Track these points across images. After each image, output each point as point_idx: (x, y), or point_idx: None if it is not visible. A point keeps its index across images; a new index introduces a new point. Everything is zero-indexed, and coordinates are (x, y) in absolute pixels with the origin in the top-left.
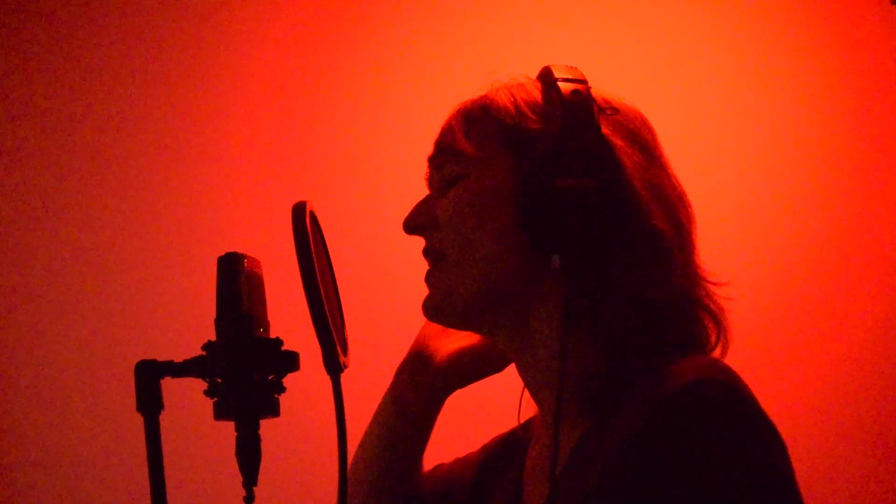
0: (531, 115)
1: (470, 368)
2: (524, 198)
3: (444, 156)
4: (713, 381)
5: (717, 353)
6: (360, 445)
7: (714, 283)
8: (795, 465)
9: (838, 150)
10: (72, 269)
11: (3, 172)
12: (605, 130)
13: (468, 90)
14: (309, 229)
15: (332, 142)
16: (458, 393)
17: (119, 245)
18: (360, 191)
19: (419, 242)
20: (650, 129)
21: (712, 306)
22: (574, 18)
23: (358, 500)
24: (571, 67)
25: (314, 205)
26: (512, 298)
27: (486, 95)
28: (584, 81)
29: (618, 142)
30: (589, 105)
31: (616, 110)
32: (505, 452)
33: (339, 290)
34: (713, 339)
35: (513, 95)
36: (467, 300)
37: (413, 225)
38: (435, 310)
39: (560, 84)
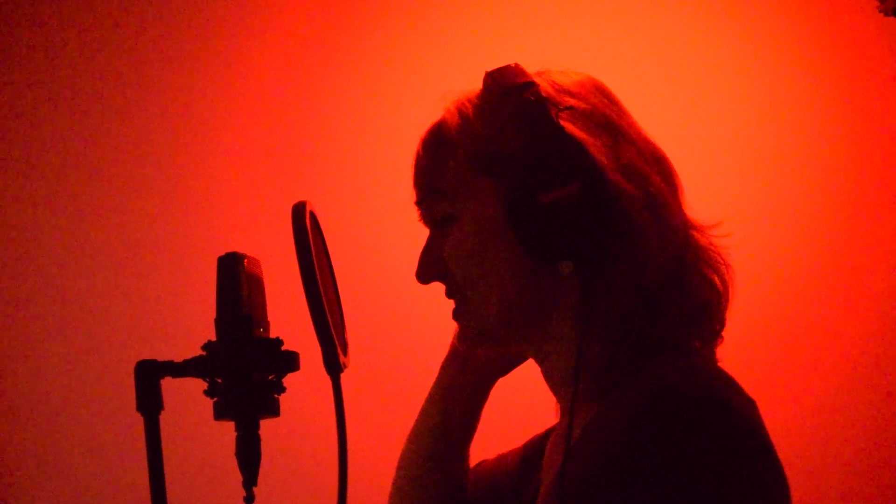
0: (492, 133)
1: (513, 354)
2: (515, 220)
3: (429, 197)
4: (692, 388)
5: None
6: (408, 439)
7: (706, 231)
8: (794, 463)
9: (834, 153)
10: (72, 269)
11: (3, 173)
12: (567, 128)
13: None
14: (309, 229)
15: (331, 142)
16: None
17: (119, 245)
18: (360, 191)
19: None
20: (605, 95)
21: (710, 260)
22: (573, 18)
23: (404, 492)
24: (513, 68)
25: (314, 205)
26: (532, 312)
27: (442, 121)
28: (531, 83)
29: (582, 135)
30: (544, 107)
31: (571, 107)
32: (542, 447)
33: (340, 290)
34: (719, 299)
35: (467, 116)
36: (497, 329)
37: (426, 277)
38: (473, 342)
39: (510, 92)
